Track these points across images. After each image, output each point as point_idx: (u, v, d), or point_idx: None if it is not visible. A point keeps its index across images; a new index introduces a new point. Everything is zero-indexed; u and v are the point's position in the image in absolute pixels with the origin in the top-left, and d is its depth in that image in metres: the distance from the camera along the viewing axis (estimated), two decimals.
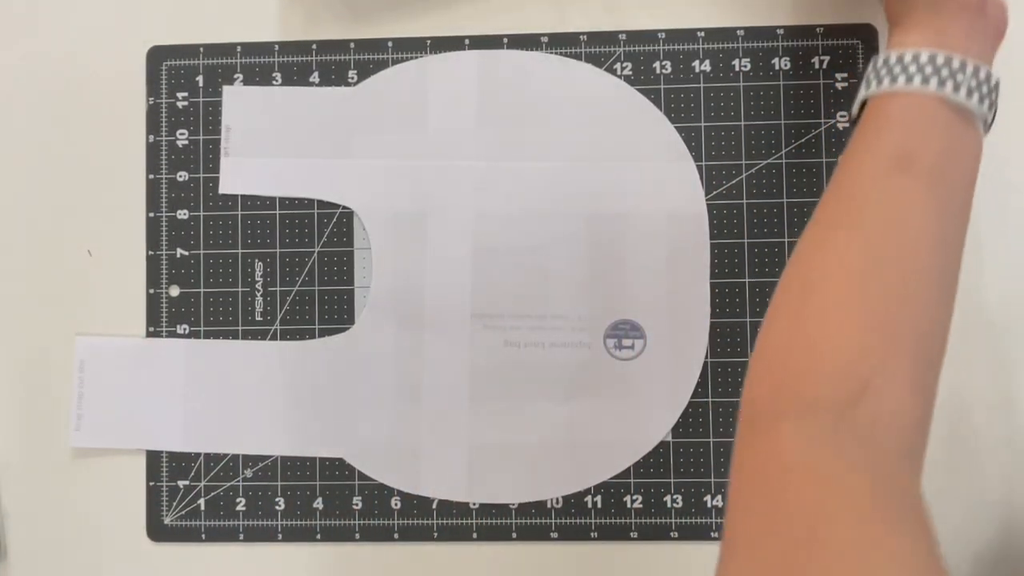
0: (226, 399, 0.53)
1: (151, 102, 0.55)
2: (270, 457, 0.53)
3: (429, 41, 0.54)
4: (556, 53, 0.54)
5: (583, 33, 0.54)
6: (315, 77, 0.54)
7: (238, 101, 0.54)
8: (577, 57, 0.54)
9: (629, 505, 0.52)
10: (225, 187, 0.54)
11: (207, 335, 0.54)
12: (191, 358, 0.53)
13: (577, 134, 0.53)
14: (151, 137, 0.55)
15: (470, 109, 0.53)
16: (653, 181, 0.53)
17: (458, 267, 0.53)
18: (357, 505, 0.53)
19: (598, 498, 0.52)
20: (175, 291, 0.54)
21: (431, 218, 0.53)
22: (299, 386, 0.53)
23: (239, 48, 0.55)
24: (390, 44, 0.54)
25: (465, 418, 0.52)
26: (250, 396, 0.53)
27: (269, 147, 0.54)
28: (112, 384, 0.54)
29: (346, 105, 0.54)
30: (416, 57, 0.54)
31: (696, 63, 0.53)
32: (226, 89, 0.54)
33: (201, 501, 0.53)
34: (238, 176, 0.54)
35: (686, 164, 0.53)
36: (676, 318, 0.52)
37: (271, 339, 0.53)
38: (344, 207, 0.54)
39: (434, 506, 0.53)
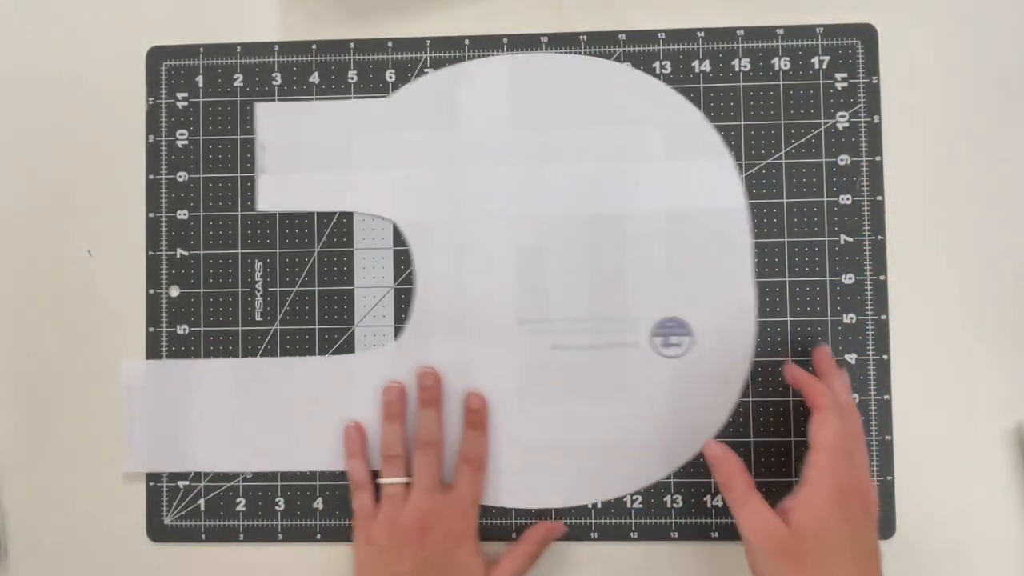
0: (274, 417, 0.53)
1: (151, 102, 0.55)
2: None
3: (429, 41, 0.54)
4: (556, 53, 0.54)
5: (583, 33, 0.54)
6: (315, 77, 0.54)
7: (272, 117, 0.54)
8: (575, 55, 0.54)
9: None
10: (263, 204, 0.54)
11: (207, 335, 0.54)
12: (238, 378, 0.53)
13: (614, 134, 0.53)
14: (151, 137, 0.55)
15: (504, 114, 0.53)
16: (692, 179, 0.52)
17: (501, 273, 0.52)
18: None
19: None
20: (175, 291, 0.54)
21: (471, 225, 0.53)
22: (347, 400, 0.53)
23: (239, 48, 0.55)
24: (390, 44, 0.54)
25: (515, 424, 0.52)
26: (298, 413, 0.53)
27: (304, 162, 0.54)
28: (159, 407, 0.53)
29: (380, 115, 0.54)
30: (417, 57, 0.54)
31: (696, 63, 0.53)
32: (258, 106, 0.54)
33: (201, 501, 0.53)
34: (276, 194, 0.54)
35: (725, 161, 0.52)
36: (722, 315, 0.52)
37: (270, 339, 0.53)
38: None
39: None
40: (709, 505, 0.52)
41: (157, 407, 0.53)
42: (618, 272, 0.52)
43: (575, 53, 0.53)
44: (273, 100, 0.54)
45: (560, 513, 0.52)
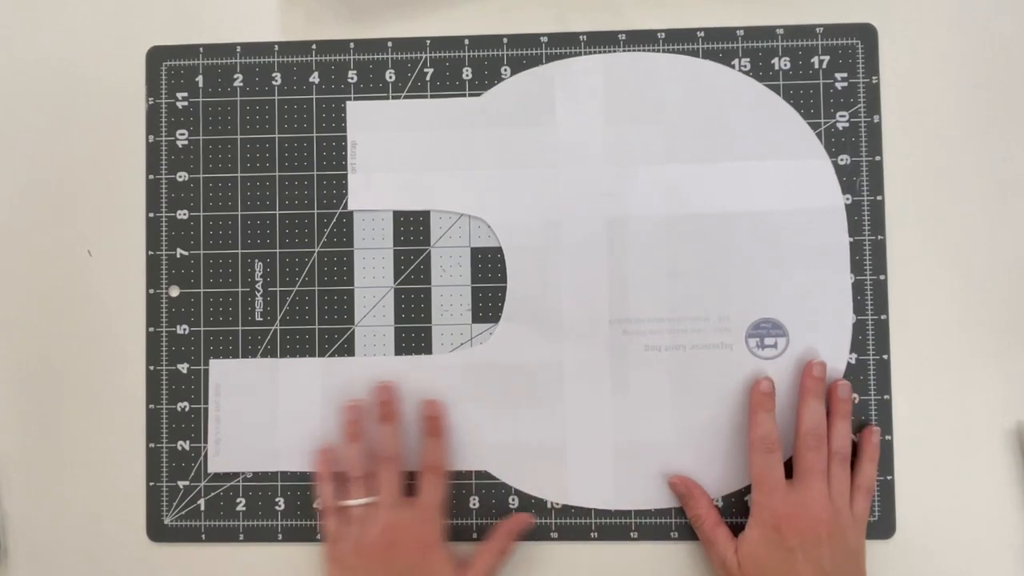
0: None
1: (151, 102, 0.55)
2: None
3: (429, 41, 0.54)
4: (556, 53, 0.54)
5: (583, 33, 0.54)
6: (315, 77, 0.54)
7: (362, 115, 0.54)
8: (575, 55, 0.54)
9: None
10: (355, 203, 0.53)
11: (207, 335, 0.54)
12: (327, 377, 0.53)
13: (707, 134, 0.52)
14: (151, 137, 0.55)
15: (597, 114, 0.53)
16: (788, 178, 0.52)
17: (593, 273, 0.52)
18: None
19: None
20: (175, 291, 0.54)
21: (563, 226, 0.52)
22: (430, 398, 0.53)
23: (239, 48, 0.55)
24: (390, 44, 0.54)
25: (608, 426, 0.52)
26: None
27: (395, 161, 0.53)
28: (246, 406, 0.53)
29: (471, 114, 0.53)
30: (417, 57, 0.54)
31: None
32: (350, 105, 0.54)
33: (201, 501, 0.53)
34: (366, 192, 0.53)
35: (821, 160, 0.52)
36: (817, 315, 0.52)
37: (270, 339, 0.53)
38: (343, 209, 0.54)
39: None
40: None
41: (244, 406, 0.53)
42: (712, 273, 0.52)
43: (655, 51, 0.53)
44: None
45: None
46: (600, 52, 0.53)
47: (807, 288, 0.52)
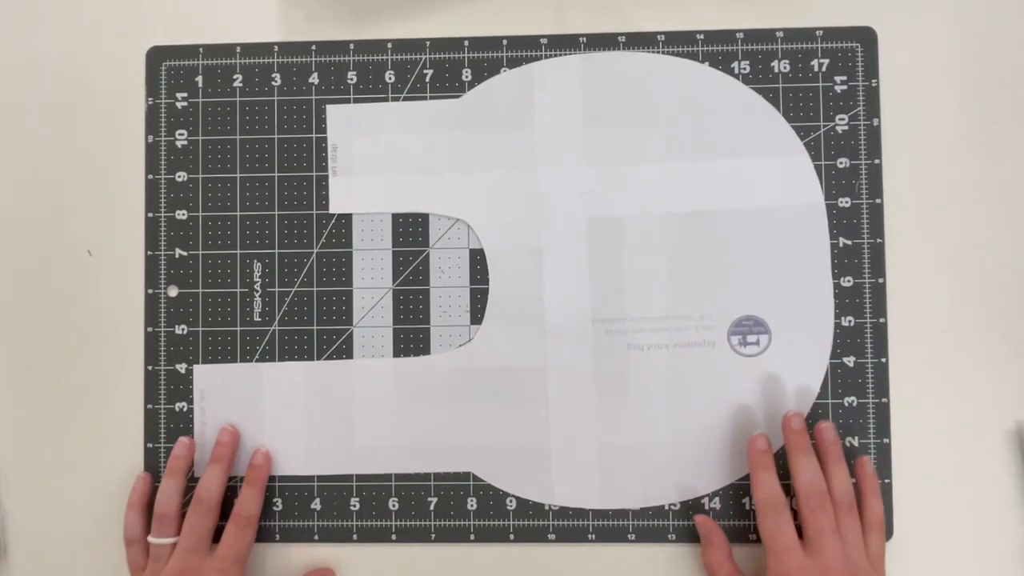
0: (346, 420, 0.53)
1: (150, 102, 0.55)
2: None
3: (429, 42, 0.54)
4: (556, 54, 0.54)
5: (583, 35, 0.54)
6: (314, 78, 0.54)
7: (342, 119, 0.54)
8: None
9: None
10: (336, 206, 0.54)
11: (205, 335, 0.54)
12: (311, 381, 0.53)
13: (688, 132, 0.52)
14: (150, 137, 0.55)
15: (577, 114, 0.53)
16: (769, 177, 0.52)
17: (576, 273, 0.52)
18: (354, 506, 0.53)
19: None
20: (173, 291, 0.54)
21: (545, 226, 0.52)
22: (419, 403, 0.53)
23: (239, 49, 0.55)
24: (390, 45, 0.54)
25: (592, 426, 0.52)
26: (368, 415, 0.53)
27: (376, 164, 0.53)
28: (231, 411, 0.53)
29: (452, 116, 0.53)
30: (416, 58, 0.54)
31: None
32: (330, 108, 0.54)
33: None
34: (348, 195, 0.53)
35: (801, 158, 0.52)
36: (799, 313, 0.52)
37: (268, 340, 0.53)
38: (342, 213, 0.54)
39: (432, 508, 0.53)
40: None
41: (230, 411, 0.53)
42: (694, 271, 0.52)
43: (651, 52, 0.53)
44: (345, 100, 0.54)
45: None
46: (600, 52, 0.53)
47: (788, 286, 0.52)
